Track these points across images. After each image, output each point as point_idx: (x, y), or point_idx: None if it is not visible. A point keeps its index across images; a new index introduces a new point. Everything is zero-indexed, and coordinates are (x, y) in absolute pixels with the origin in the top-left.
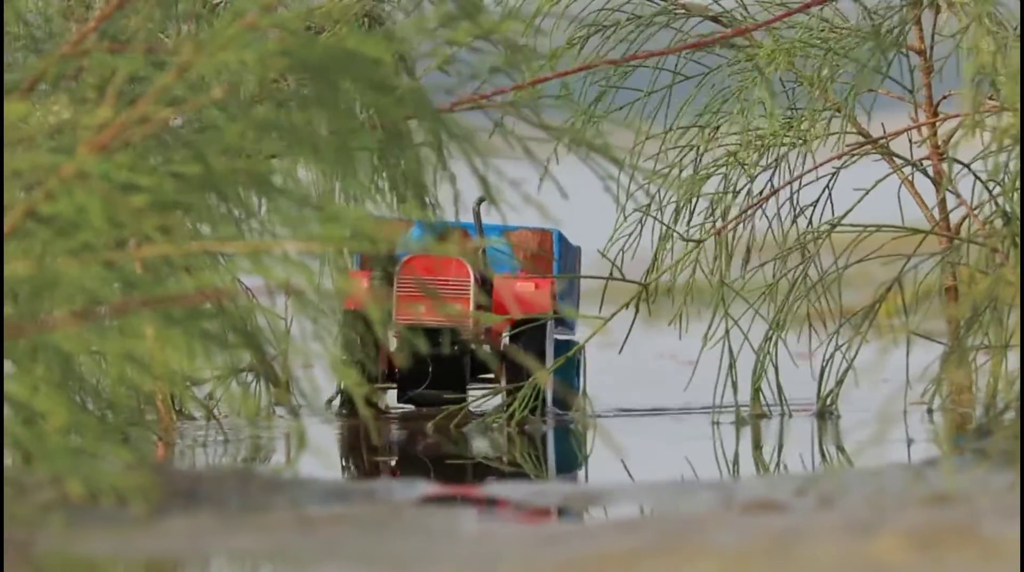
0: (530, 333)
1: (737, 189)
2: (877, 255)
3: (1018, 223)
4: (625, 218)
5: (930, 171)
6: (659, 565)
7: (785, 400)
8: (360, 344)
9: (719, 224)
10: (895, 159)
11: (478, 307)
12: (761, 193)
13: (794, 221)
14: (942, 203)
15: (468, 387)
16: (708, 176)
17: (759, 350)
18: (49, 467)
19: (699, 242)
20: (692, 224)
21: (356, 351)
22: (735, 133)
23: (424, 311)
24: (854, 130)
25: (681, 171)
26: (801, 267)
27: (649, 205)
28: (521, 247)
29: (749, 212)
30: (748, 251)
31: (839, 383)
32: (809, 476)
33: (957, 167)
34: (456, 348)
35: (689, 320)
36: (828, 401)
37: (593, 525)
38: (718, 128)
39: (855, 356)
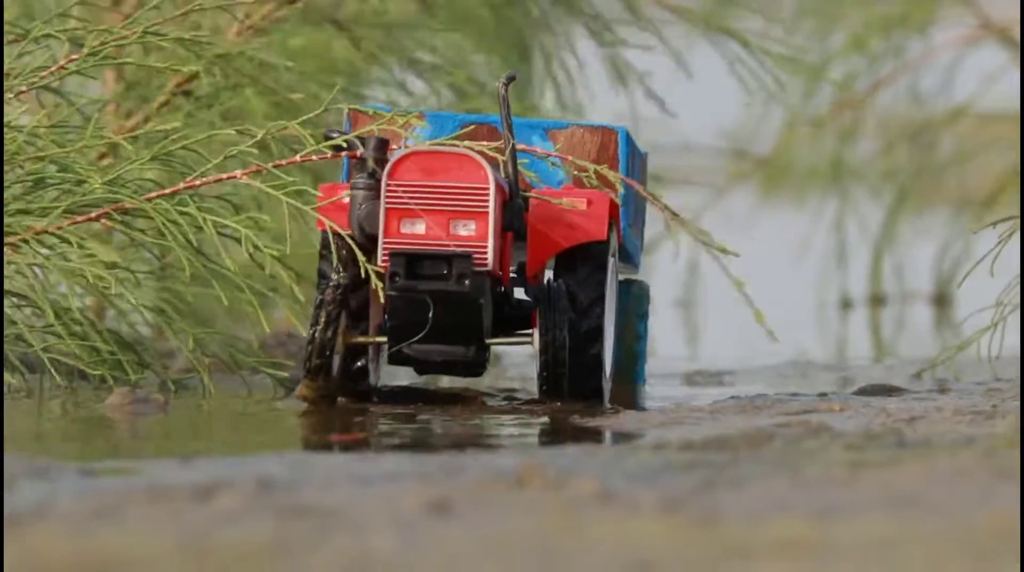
0: (585, 270)
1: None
2: (998, 143)
3: None
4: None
5: None
6: (782, 445)
7: (903, 285)
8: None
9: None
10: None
11: (505, 229)
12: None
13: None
14: None
15: (489, 341)
16: (829, 61)
17: (880, 234)
18: (187, 336)
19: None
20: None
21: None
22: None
23: (424, 231)
24: (975, 19)
25: (806, 56)
26: (921, 153)
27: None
28: (574, 151)
29: (871, 92)
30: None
31: (956, 270)
32: (926, 361)
33: None
34: (467, 283)
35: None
36: (945, 287)
37: (714, 406)
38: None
39: (973, 243)
